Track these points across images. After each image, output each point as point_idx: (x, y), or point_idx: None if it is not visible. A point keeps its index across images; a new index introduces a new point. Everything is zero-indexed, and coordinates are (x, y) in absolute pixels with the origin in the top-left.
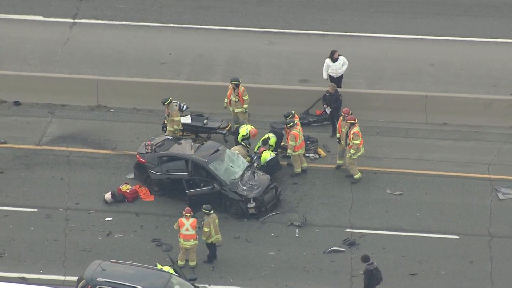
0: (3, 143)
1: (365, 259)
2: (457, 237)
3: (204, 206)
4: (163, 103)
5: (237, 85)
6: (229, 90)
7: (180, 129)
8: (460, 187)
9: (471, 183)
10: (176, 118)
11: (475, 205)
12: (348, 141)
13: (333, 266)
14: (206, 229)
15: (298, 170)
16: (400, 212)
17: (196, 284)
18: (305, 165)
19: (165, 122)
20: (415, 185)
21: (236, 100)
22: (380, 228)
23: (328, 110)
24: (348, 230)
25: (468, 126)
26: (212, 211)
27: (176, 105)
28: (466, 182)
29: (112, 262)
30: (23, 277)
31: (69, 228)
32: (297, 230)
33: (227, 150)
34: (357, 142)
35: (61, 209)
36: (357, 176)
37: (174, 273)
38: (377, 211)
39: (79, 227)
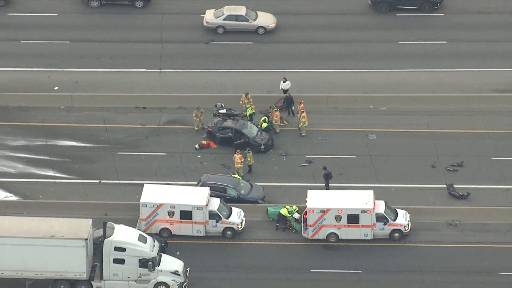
0: (143, 125)
1: (324, 168)
2: (355, 157)
3: (247, 148)
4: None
5: (247, 94)
6: (243, 97)
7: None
8: (351, 136)
9: (355, 134)
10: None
11: (359, 142)
12: (300, 118)
13: (304, 172)
14: (248, 159)
15: (278, 131)
16: (327, 147)
17: (249, 182)
18: (279, 129)
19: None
20: (331, 135)
21: (246, 101)
22: (322, 154)
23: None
24: (306, 155)
25: (347, 108)
26: (250, 151)
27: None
28: (352, 134)
29: (213, 174)
30: (168, 183)
31: (182, 161)
32: (284, 157)
33: (248, 123)
34: (304, 120)
35: (177, 153)
36: (304, 134)
37: (240, 178)
38: (317, 146)
39: (187, 160)
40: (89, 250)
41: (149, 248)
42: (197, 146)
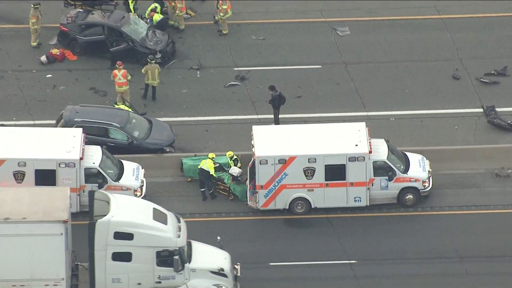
0: None
1: (272, 88)
2: (320, 66)
3: (149, 56)
4: None
5: None
6: None
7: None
8: (307, 29)
9: (313, 26)
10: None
11: (324, 41)
12: (218, 5)
13: (235, 96)
14: (143, 71)
15: (183, 27)
16: (268, 52)
17: (145, 117)
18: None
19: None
20: (273, 32)
21: None
22: (258, 65)
23: None
24: (235, 68)
25: None
26: (154, 61)
27: None
28: (309, 26)
29: (82, 105)
30: (2, 124)
31: (21, 85)
32: (198, 72)
33: (131, 15)
34: (225, 7)
35: (9, 71)
36: (225, 32)
37: (130, 110)
38: (251, 52)
39: (29, 83)
40: (69, 241)
41: (173, 231)
42: (44, 58)
